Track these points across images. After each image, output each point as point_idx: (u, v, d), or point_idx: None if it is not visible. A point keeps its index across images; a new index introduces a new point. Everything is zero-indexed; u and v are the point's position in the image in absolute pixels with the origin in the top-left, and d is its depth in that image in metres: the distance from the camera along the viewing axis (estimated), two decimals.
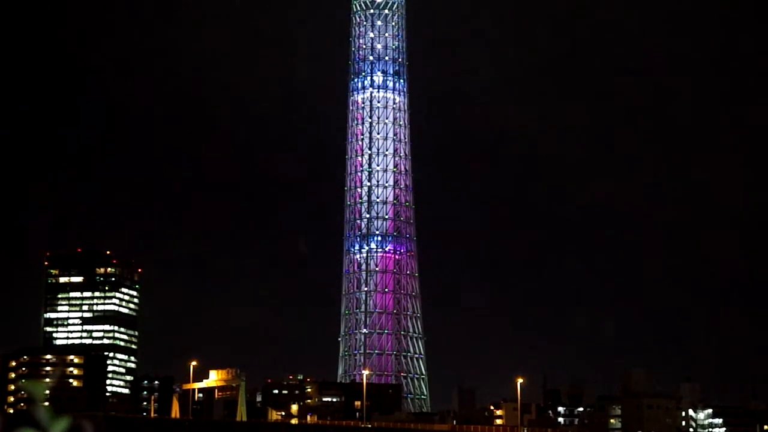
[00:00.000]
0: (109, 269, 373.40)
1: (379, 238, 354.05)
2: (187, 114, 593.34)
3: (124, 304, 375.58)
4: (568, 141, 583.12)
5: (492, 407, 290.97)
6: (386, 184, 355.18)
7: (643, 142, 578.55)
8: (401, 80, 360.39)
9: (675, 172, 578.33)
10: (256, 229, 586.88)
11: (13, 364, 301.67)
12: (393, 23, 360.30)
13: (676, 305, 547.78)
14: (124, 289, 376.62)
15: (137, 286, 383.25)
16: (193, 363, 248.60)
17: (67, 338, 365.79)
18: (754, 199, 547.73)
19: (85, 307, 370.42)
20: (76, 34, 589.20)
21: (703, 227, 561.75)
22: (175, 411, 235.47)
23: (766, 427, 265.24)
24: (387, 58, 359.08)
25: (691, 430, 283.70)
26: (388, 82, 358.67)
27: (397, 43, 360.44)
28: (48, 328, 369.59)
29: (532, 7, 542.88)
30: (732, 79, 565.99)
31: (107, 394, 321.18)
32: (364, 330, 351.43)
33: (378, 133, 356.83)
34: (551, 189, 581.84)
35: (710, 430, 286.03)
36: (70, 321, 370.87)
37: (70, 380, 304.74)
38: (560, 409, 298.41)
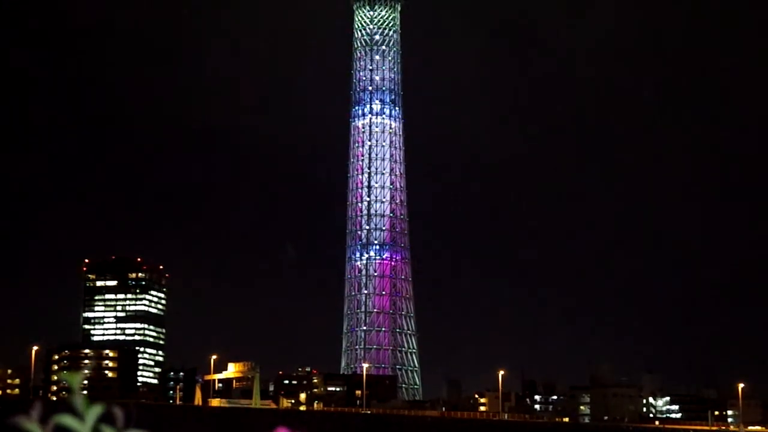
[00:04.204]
0: (139, 274, 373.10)
1: (378, 247, 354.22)
2: (205, 136, 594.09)
3: (153, 304, 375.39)
4: (546, 155, 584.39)
5: (477, 396, 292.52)
6: (383, 200, 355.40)
7: (626, 149, 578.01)
8: (396, 108, 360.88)
9: (640, 180, 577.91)
10: (269, 239, 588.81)
11: (56, 357, 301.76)
12: (389, 58, 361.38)
13: (638, 306, 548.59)
14: (153, 292, 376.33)
15: (165, 289, 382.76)
16: (214, 356, 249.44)
17: (103, 335, 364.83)
18: (710, 198, 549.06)
19: (118, 308, 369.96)
20: (109, 45, 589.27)
21: (665, 228, 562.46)
22: (198, 399, 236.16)
23: (716, 412, 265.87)
24: (384, 88, 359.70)
25: (651, 415, 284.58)
26: (385, 109, 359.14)
27: (392, 75, 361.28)
28: (86, 326, 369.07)
29: (520, 37, 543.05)
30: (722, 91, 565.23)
31: (138, 384, 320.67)
32: (364, 327, 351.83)
33: (376, 155, 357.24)
34: (527, 199, 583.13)
35: (668, 415, 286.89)
36: (106, 320, 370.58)
37: (106, 372, 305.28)
38: (536, 397, 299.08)
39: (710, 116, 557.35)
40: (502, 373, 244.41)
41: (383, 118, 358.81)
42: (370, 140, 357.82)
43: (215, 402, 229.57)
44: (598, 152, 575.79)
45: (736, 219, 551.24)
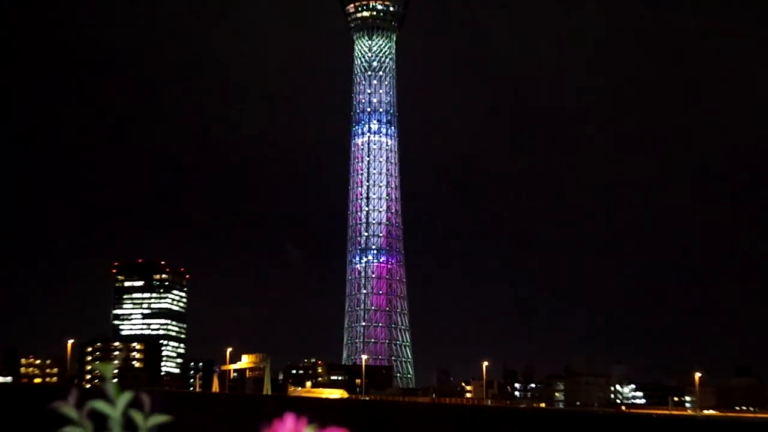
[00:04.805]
0: (163, 275, 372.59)
1: (375, 251, 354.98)
2: (222, 151, 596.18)
3: (175, 302, 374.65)
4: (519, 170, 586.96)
5: (463, 384, 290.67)
6: (380, 209, 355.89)
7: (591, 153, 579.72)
8: (392, 127, 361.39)
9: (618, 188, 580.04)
10: (279, 245, 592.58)
11: (89, 349, 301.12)
12: (386, 83, 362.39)
13: (608, 305, 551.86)
14: (175, 291, 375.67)
15: (186, 289, 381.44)
16: (230, 349, 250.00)
17: (131, 330, 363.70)
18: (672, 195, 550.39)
19: (144, 305, 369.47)
20: (150, 58, 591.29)
21: (635, 231, 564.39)
22: (215, 387, 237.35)
23: (676, 398, 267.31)
24: (381, 110, 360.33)
25: (618, 401, 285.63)
26: (381, 128, 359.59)
27: (388, 98, 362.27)
28: (116, 322, 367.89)
29: (502, 59, 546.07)
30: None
31: (162, 373, 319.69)
32: (363, 323, 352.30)
33: (374, 169, 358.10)
34: (509, 208, 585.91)
35: (633, 401, 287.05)
36: (133, 316, 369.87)
37: (134, 363, 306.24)
38: (516, 385, 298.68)
39: (708, 123, 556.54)
40: (486, 363, 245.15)
41: (380, 137, 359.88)
42: (368, 156, 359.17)
43: (298, 391, 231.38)
44: (578, 162, 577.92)
45: (701, 221, 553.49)
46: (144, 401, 3.18)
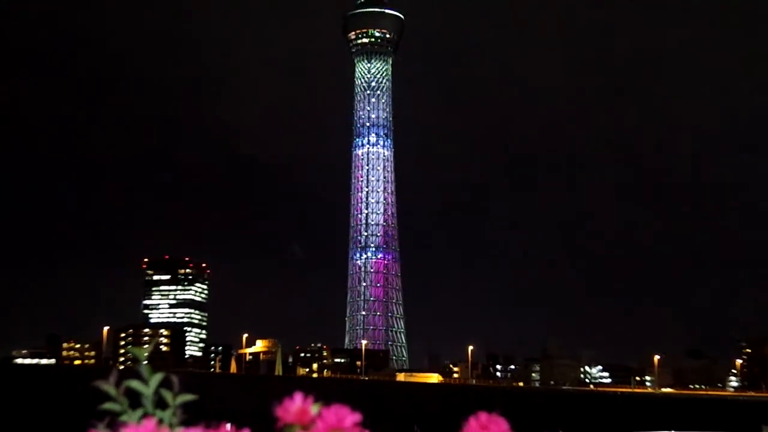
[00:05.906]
0: (187, 270, 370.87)
1: (374, 249, 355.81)
2: (241, 166, 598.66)
3: (198, 294, 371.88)
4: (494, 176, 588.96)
5: (451, 365, 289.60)
6: (378, 212, 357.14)
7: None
8: (389, 140, 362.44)
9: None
10: (288, 244, 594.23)
11: (123, 335, 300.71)
12: (383, 100, 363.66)
13: (576, 297, 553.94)
14: (198, 284, 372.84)
15: (207, 282, 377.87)
16: (245, 335, 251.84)
17: (159, 318, 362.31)
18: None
19: (171, 296, 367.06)
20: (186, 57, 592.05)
21: (599, 220, 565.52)
22: (233, 368, 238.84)
23: (637, 378, 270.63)
24: (379, 124, 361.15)
25: (587, 381, 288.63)
26: (379, 141, 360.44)
27: (385, 114, 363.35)
28: (145, 311, 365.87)
29: (483, 77, 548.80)
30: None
31: (186, 357, 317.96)
32: (363, 312, 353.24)
33: (372, 177, 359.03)
34: (492, 210, 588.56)
35: (600, 380, 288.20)
36: (161, 306, 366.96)
37: (161, 347, 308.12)
38: (498, 367, 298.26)
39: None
40: (471, 347, 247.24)
41: (378, 148, 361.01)
42: (367, 165, 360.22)
43: (401, 376, 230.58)
44: (558, 170, 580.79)
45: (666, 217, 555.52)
46: (173, 381, 2.92)
